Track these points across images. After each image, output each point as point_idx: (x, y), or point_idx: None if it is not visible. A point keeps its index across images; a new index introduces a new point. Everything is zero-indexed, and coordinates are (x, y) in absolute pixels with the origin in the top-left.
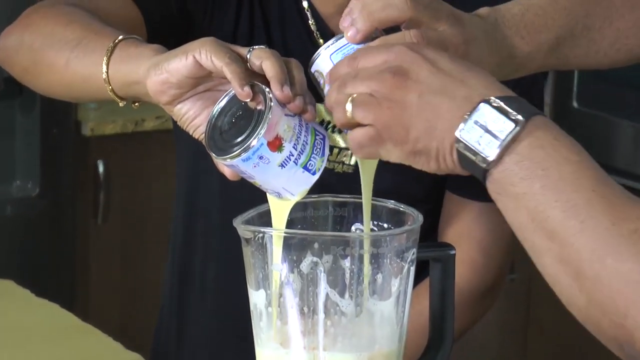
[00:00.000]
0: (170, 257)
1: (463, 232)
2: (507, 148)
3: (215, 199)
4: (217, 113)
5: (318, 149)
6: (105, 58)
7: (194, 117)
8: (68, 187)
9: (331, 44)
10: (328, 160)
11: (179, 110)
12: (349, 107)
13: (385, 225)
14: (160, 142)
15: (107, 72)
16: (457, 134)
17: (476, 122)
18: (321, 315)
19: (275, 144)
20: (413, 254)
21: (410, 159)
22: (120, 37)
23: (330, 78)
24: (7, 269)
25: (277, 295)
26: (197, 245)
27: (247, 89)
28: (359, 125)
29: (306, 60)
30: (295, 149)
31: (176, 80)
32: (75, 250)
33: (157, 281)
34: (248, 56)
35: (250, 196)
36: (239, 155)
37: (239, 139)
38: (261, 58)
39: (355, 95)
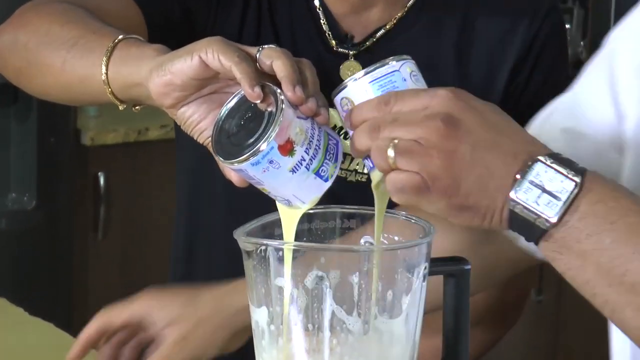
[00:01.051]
0: (172, 272)
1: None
2: (569, 207)
3: (219, 209)
4: (224, 115)
5: (331, 155)
6: (104, 58)
7: (199, 121)
8: (66, 199)
9: (371, 71)
10: (340, 168)
11: (183, 113)
12: (391, 152)
13: (396, 238)
14: (164, 153)
15: (106, 74)
16: (513, 195)
17: (532, 182)
18: (327, 333)
19: (287, 148)
20: (425, 268)
21: (454, 213)
22: (121, 36)
23: (354, 118)
24: (1, 286)
25: (284, 313)
26: (199, 260)
27: (257, 89)
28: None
29: (316, 62)
30: (307, 154)
31: (180, 82)
32: (73, 267)
33: None
34: (257, 55)
35: (257, 206)
36: (247, 159)
37: (248, 142)
38: (272, 57)
39: (397, 141)
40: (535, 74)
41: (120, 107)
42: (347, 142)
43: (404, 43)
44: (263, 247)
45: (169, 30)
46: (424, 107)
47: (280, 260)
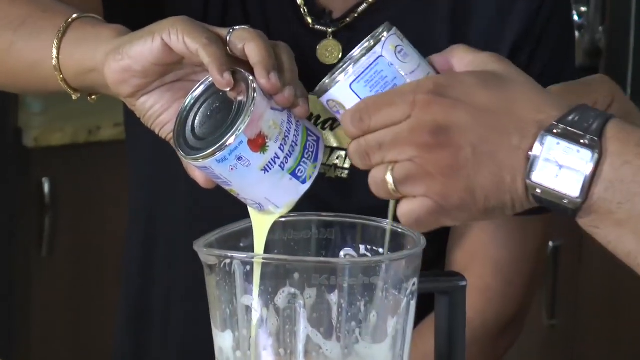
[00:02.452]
0: (124, 291)
1: (476, 252)
2: (592, 179)
3: (181, 217)
4: (189, 105)
5: (310, 153)
6: (55, 40)
7: (161, 113)
8: (5, 210)
9: (346, 67)
10: None
11: (143, 104)
12: (390, 179)
13: (381, 250)
14: (119, 155)
15: (57, 58)
16: (530, 179)
17: (546, 160)
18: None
19: (258, 143)
20: (414, 285)
21: (483, 217)
22: (75, 15)
23: (346, 132)
24: None
25: (251, 337)
26: (156, 277)
27: (227, 75)
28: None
29: (290, 41)
30: (282, 151)
31: (140, 68)
32: (13, 289)
33: (113, 326)
34: (228, 38)
35: (226, 213)
36: (213, 154)
37: (215, 136)
38: (244, 40)
39: (392, 167)
40: (538, 53)
41: (74, 97)
42: (325, 132)
43: (390, 19)
44: (227, 261)
45: (128, 8)
46: (404, 116)
47: (248, 275)
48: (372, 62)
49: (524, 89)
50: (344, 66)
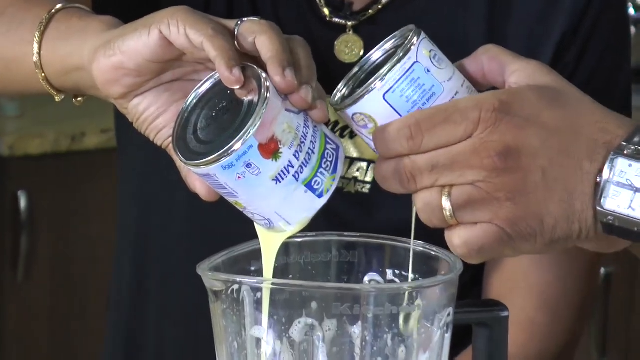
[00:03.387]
0: (112, 321)
1: (517, 280)
2: None
3: (179, 235)
4: (192, 104)
5: (328, 163)
6: (37, 33)
7: (157, 116)
8: None
9: (384, 76)
10: None
11: (136, 106)
12: (447, 205)
13: (411, 276)
14: (107, 166)
15: (38, 53)
16: (601, 206)
17: (618, 184)
18: None
19: (270, 148)
20: (449, 315)
21: (545, 249)
22: (59, 5)
23: (380, 150)
24: None
25: None
26: (149, 303)
27: (236, 71)
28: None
29: (304, 36)
30: (297, 159)
31: (134, 65)
32: None
33: (97, 357)
34: (237, 30)
35: (230, 230)
36: (218, 160)
37: (220, 139)
38: (255, 33)
39: (448, 190)
40: (587, 54)
41: (57, 99)
42: (343, 140)
43: (418, 12)
44: (236, 286)
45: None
46: (464, 136)
47: (259, 303)
48: (408, 69)
49: (584, 106)
50: (375, 78)
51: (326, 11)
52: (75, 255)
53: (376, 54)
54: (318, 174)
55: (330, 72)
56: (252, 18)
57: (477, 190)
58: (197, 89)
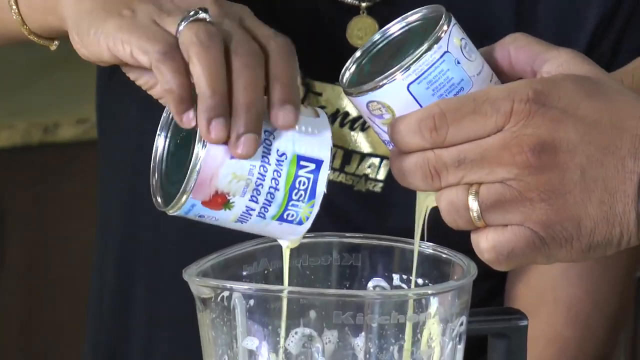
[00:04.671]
0: (91, 335)
1: (544, 291)
2: None
3: (168, 236)
4: (159, 145)
5: (301, 192)
6: None
7: (153, 85)
8: None
9: (410, 65)
10: (345, 173)
11: (131, 76)
12: (474, 206)
13: (420, 281)
14: (83, 159)
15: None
16: None
17: None
18: None
19: (217, 202)
20: (461, 324)
21: (582, 257)
22: None
23: (397, 142)
24: None
25: None
26: (135, 313)
27: (190, 114)
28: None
29: (313, 17)
30: (256, 202)
31: (108, 65)
32: None
33: None
34: (178, 39)
35: (225, 231)
36: (170, 207)
37: (176, 184)
38: (188, 53)
39: (475, 189)
40: (626, 38)
41: (52, 47)
42: (353, 133)
43: None
44: (226, 293)
45: None
46: (495, 129)
47: (252, 312)
48: (438, 60)
49: (625, 99)
50: (400, 65)
51: None
52: (51, 260)
53: (395, 28)
54: (289, 208)
55: (341, 57)
56: (197, 15)
57: (507, 189)
58: (160, 125)
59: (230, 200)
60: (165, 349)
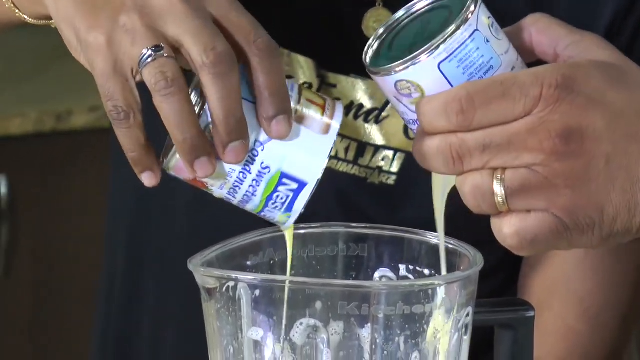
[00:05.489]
0: (100, 323)
1: (556, 284)
2: None
3: (179, 225)
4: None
5: (278, 204)
6: None
7: None
8: None
9: (441, 43)
10: (358, 165)
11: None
12: (499, 190)
13: (426, 272)
14: (96, 147)
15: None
16: None
17: None
18: None
19: (198, 184)
20: (467, 315)
21: (601, 243)
22: None
23: (424, 124)
24: None
25: None
26: (145, 302)
27: (150, 177)
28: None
29: (327, 8)
30: (234, 198)
31: None
32: None
33: None
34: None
35: (237, 221)
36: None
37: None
38: (153, 96)
39: (500, 174)
40: None
41: (53, 26)
42: (367, 125)
43: None
44: (231, 284)
45: None
46: (522, 113)
47: (257, 302)
48: (469, 37)
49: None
50: (430, 45)
51: None
52: (61, 247)
53: (420, 5)
54: (265, 211)
55: (356, 51)
56: (153, 59)
57: (533, 175)
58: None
59: (210, 188)
60: (174, 342)
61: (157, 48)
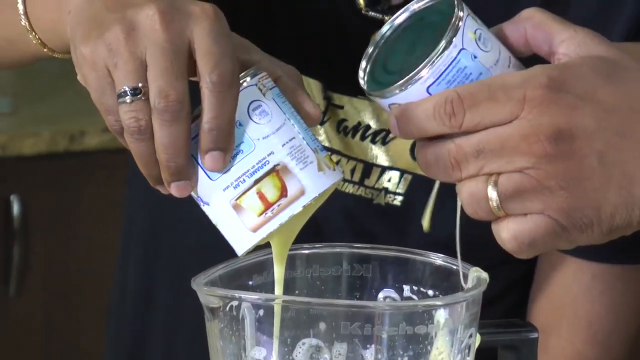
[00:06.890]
0: (111, 336)
1: (564, 307)
2: None
3: (191, 244)
4: None
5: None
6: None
7: None
8: None
9: (428, 66)
10: (364, 186)
11: None
12: (493, 195)
13: (430, 293)
14: (109, 168)
15: (25, 11)
16: None
17: None
18: None
19: None
20: (471, 336)
21: (602, 240)
22: None
23: (405, 129)
24: None
25: None
26: (154, 320)
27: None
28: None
29: (338, 29)
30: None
31: None
32: None
33: None
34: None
35: None
36: None
37: None
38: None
39: (494, 179)
40: None
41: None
42: (374, 146)
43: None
44: (235, 303)
45: None
46: (510, 117)
47: (260, 322)
48: (454, 59)
49: (633, 77)
50: (424, 66)
51: (362, 3)
52: (73, 267)
53: (401, 18)
54: None
55: None
56: (129, 100)
57: (526, 179)
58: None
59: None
60: (185, 352)
61: (135, 91)
